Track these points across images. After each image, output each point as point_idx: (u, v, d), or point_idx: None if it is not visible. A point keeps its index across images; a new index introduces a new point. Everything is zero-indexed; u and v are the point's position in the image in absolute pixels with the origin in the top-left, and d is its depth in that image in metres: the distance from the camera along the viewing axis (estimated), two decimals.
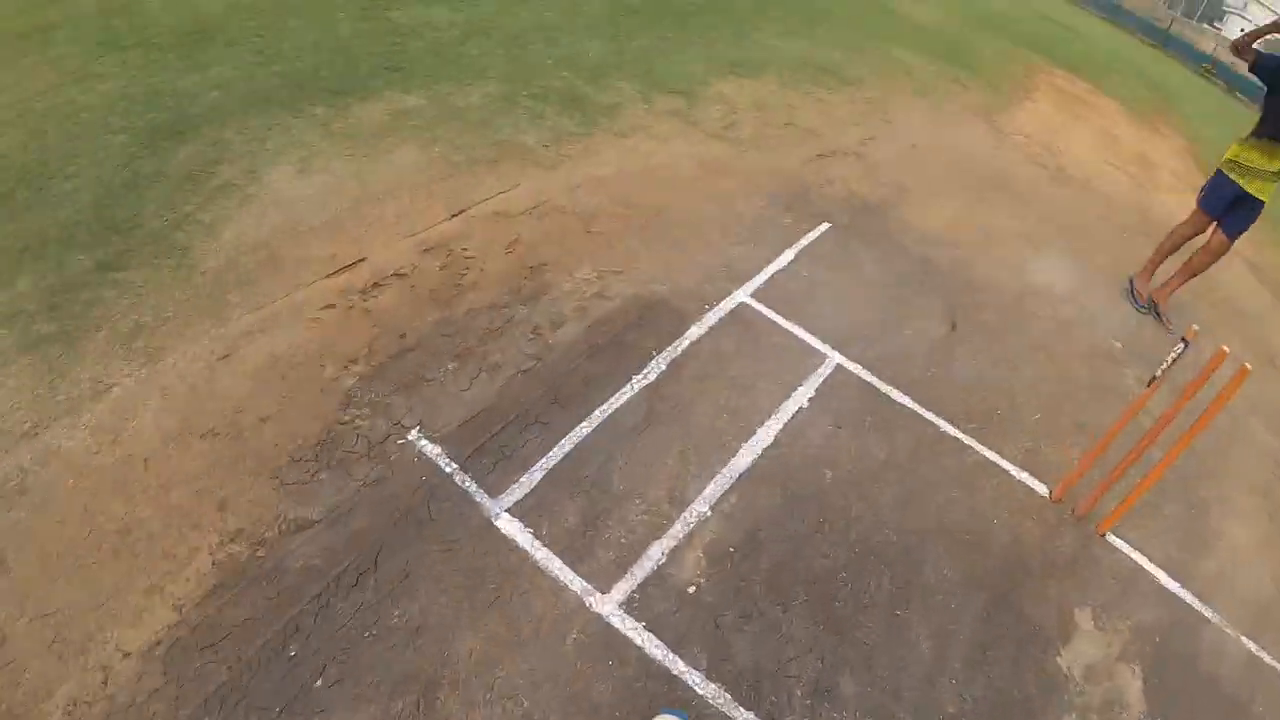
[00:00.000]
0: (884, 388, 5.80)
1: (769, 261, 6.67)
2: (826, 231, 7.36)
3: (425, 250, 5.92)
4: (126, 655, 3.54)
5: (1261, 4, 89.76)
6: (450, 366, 5.10)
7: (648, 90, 9.22)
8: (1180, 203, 11.81)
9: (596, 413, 4.99)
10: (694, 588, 4.22)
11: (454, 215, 6.31)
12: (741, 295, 6.17)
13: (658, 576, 4.23)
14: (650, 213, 6.87)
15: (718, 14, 12.80)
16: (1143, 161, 13.41)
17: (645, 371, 5.35)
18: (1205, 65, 36.49)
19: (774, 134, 9.04)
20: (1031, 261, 8.28)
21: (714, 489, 4.74)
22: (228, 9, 10.34)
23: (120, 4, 10.98)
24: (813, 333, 6.04)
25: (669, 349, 5.57)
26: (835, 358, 5.90)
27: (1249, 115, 28.84)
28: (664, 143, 8.13)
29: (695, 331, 5.75)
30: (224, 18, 10.03)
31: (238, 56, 8.83)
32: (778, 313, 6.11)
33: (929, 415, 5.70)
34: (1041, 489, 5.48)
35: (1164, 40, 39.08)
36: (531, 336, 5.39)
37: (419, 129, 7.45)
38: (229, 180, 6.57)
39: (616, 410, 5.03)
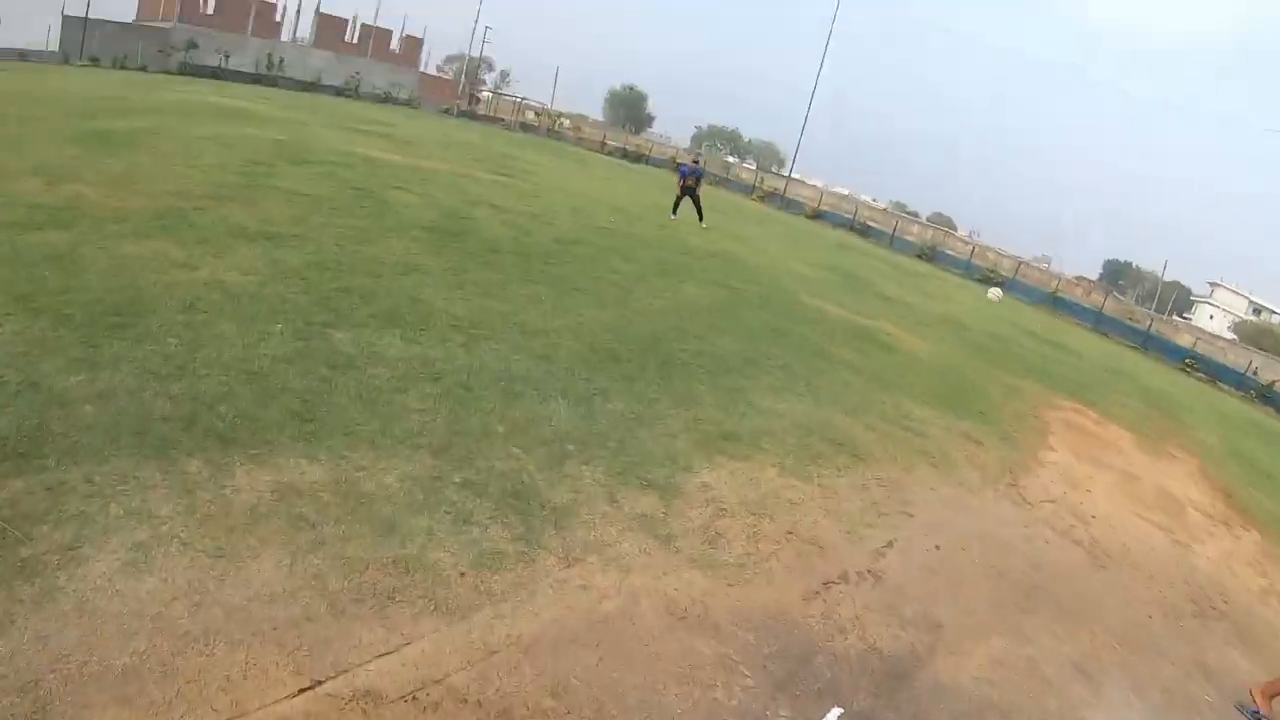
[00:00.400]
0: None
1: None
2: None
3: None
4: None
5: (1228, 289, 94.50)
6: None
7: (615, 481, 7.63)
8: (1217, 549, 11.13)
9: None
10: None
11: (304, 690, 4.45)
12: None
13: None
14: (588, 711, 4.94)
15: (708, 366, 11.68)
16: (1168, 503, 12.53)
17: None
18: (1187, 360, 38.93)
19: (770, 550, 7.25)
20: (1092, 710, 6.49)
21: None
22: (165, 291, 9.17)
23: (65, 252, 9.84)
24: None
25: None
26: None
27: (1237, 405, 29.61)
28: (625, 574, 6.29)
29: None
30: (155, 301, 8.85)
31: (142, 358, 7.49)
32: None
33: None
34: None
35: (1144, 340, 41.68)
36: None
37: (303, 521, 5.77)
38: (39, 554, 4.88)
39: None
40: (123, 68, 50.45)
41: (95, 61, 49.79)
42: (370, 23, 65.98)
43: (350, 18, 65.34)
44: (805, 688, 5.63)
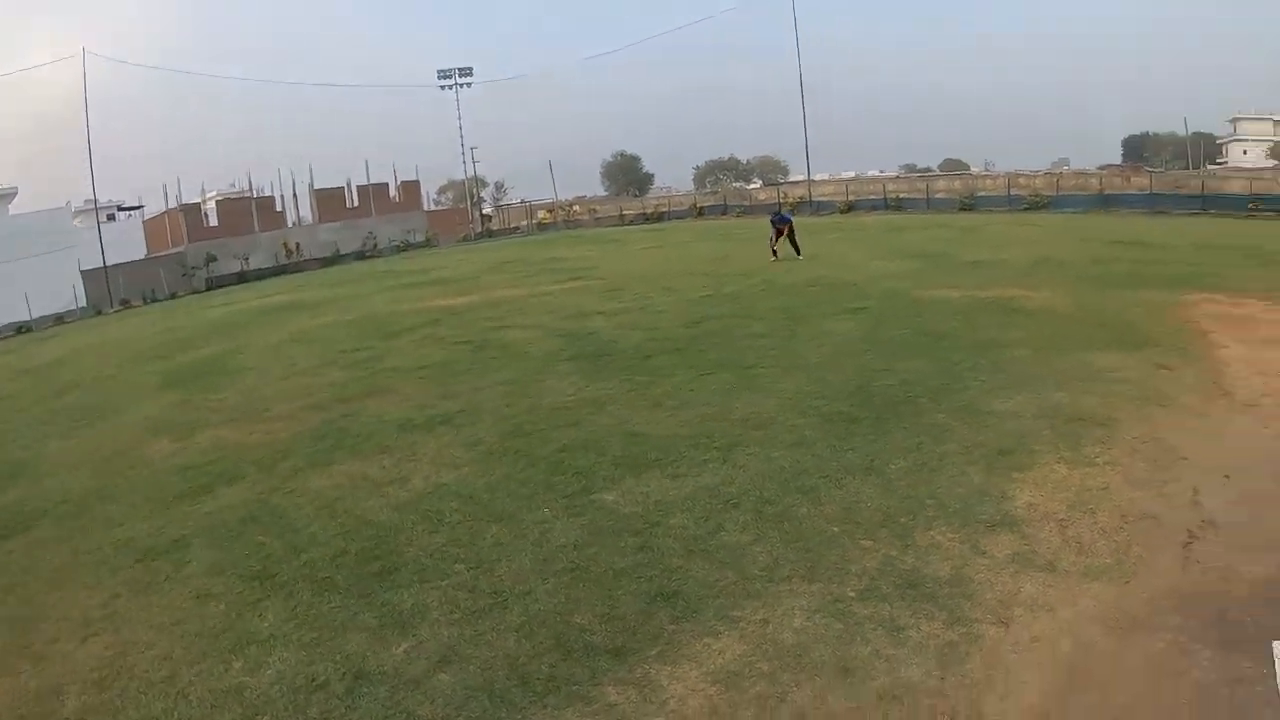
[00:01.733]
0: None
1: None
2: None
3: None
4: None
5: (1249, 119, 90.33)
6: None
7: (967, 533, 7.29)
8: None
9: None
10: None
11: None
12: None
13: None
14: None
15: (921, 393, 11.24)
16: None
17: None
18: (1250, 204, 38.09)
19: (1125, 539, 7.04)
20: None
21: None
22: (397, 513, 8.73)
23: (258, 509, 9.47)
24: None
25: None
26: None
27: None
28: (1051, 612, 6.06)
29: None
30: (399, 528, 8.41)
31: (446, 598, 6.91)
32: None
33: None
34: None
35: (1203, 203, 40.55)
36: None
37: (772, 694, 5.36)
38: None
39: None
40: (154, 300, 51.92)
41: (126, 304, 51.35)
42: (364, 182, 67.54)
43: (345, 184, 66.98)
44: (1241, 635, 5.63)
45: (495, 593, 6.86)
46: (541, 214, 73.96)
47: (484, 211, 78.83)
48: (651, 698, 5.35)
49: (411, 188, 70.96)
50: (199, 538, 8.93)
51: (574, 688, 5.51)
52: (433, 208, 77.82)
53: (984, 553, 6.93)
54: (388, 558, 7.77)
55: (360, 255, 59.77)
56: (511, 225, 72.82)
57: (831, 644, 5.78)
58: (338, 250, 60.11)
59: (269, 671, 6.13)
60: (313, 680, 5.94)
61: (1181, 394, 10.66)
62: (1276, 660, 5.25)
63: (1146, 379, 11.32)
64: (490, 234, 68.26)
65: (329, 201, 65.60)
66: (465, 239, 65.20)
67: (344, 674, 5.97)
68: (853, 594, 6.41)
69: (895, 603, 6.26)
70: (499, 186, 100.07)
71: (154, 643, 6.81)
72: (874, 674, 5.43)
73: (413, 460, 10.42)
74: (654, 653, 5.81)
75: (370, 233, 63.50)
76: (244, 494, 10.12)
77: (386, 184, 69.09)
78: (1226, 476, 8.25)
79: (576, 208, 75.21)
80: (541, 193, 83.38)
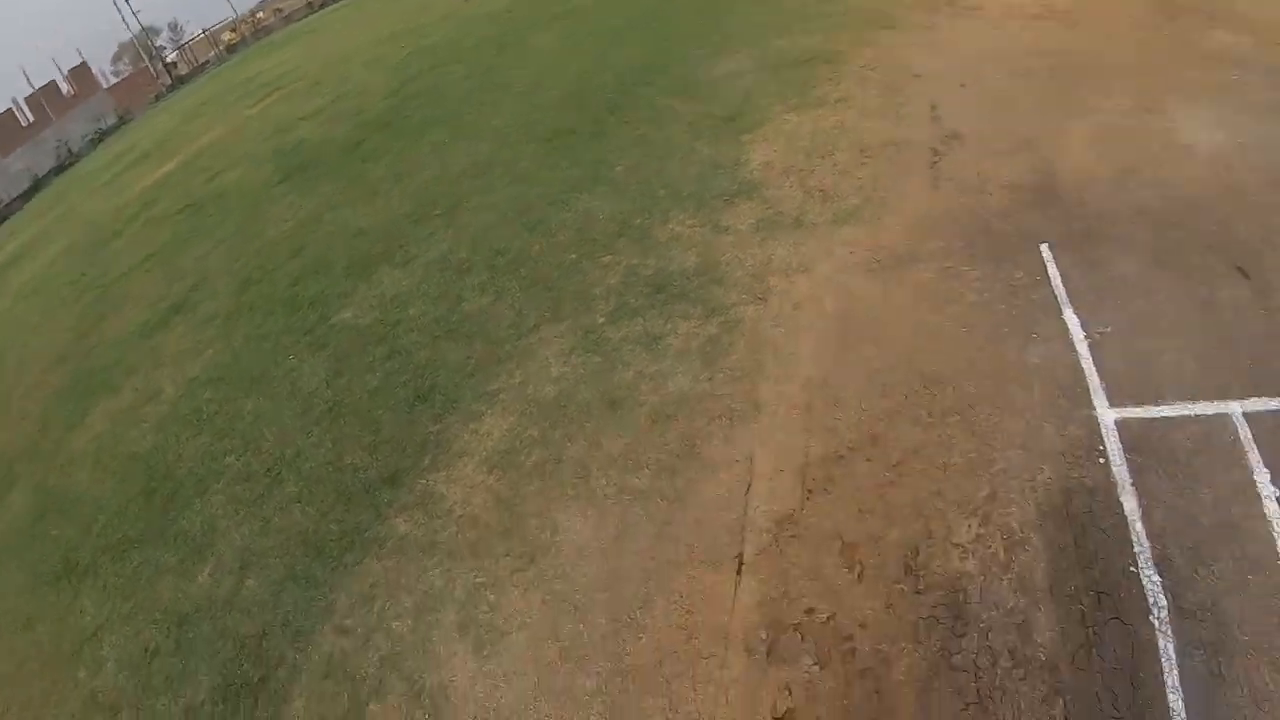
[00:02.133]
0: None
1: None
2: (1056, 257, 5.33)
3: None
4: None
5: None
6: None
7: (705, 215, 7.10)
8: None
9: None
10: None
11: None
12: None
13: None
14: (915, 385, 4.61)
15: (634, 81, 11.11)
16: None
17: None
18: None
19: (871, 174, 6.92)
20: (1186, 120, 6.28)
21: None
22: (159, 432, 8.07)
23: (46, 499, 8.58)
24: None
25: None
26: None
27: None
28: (808, 272, 6.00)
29: None
30: (165, 448, 7.79)
31: (228, 498, 6.47)
32: None
33: None
34: None
35: None
36: None
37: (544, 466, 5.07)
38: None
39: None
40: None
41: None
42: (29, 91, 59.16)
43: (10, 105, 58.59)
44: (1007, 245, 5.66)
45: (268, 470, 6.39)
46: (227, 36, 66.49)
47: (167, 61, 70.47)
48: (437, 512, 5.11)
49: (82, 73, 62.13)
50: (0, 562, 8.08)
51: (365, 534, 5.24)
52: (114, 81, 69.14)
53: (726, 230, 6.65)
54: (164, 485, 7.15)
55: (60, 169, 53.19)
56: (201, 62, 65.52)
57: (592, 382, 5.58)
58: (36, 176, 53.29)
59: (109, 664, 5.75)
60: (145, 649, 5.63)
61: (905, 12, 10.23)
62: (1048, 263, 5.17)
63: (867, 1, 10.82)
64: (182, 81, 61.35)
65: (2, 132, 57.55)
66: (159, 98, 58.48)
67: (168, 629, 5.65)
68: (603, 320, 6.16)
69: (648, 314, 6.02)
70: (174, 27, 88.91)
71: (12, 698, 6.28)
72: (641, 398, 5.25)
73: (159, 366, 9.46)
74: (426, 463, 5.53)
75: (60, 141, 56.29)
76: (24, 494, 9.12)
77: (53, 81, 60.61)
78: (963, 85, 7.99)
79: (261, 14, 67.75)
80: (220, 14, 74.52)
